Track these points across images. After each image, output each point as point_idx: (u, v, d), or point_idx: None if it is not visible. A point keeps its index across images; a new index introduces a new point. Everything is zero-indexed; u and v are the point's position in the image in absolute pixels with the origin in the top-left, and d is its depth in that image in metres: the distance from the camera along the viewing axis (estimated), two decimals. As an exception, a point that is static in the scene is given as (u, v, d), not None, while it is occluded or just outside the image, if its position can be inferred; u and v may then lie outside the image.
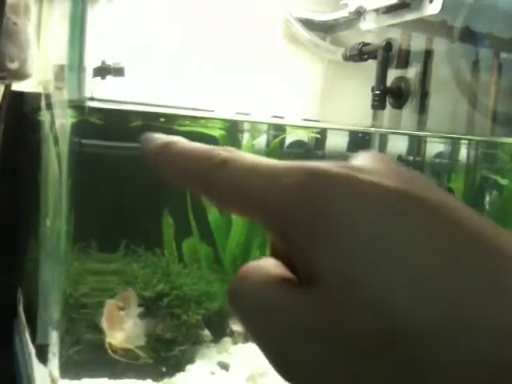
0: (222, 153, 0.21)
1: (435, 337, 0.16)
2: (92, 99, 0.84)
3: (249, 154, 0.21)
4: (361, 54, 1.40)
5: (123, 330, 0.95)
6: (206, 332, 1.30)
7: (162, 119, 1.24)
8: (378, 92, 1.37)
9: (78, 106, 0.75)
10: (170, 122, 1.25)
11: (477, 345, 0.16)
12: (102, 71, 1.20)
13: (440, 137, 1.42)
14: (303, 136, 1.46)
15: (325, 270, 0.19)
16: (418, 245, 0.18)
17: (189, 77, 1.25)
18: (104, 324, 0.93)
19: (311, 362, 0.18)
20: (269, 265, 0.22)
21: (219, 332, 1.26)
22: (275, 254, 0.23)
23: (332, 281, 0.18)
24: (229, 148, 0.22)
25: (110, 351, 0.94)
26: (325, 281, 0.19)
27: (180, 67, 1.24)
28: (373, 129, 1.38)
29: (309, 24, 1.49)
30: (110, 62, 1.21)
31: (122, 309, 0.97)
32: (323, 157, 1.49)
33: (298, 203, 0.19)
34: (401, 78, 1.43)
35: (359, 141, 1.51)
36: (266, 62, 1.37)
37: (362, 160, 0.22)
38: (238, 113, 1.27)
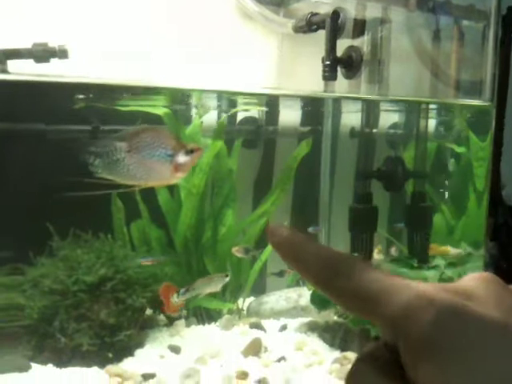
0: (341, 262, 0.25)
1: None
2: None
3: (364, 264, 0.25)
4: (309, 24, 1.35)
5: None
6: (161, 316, 1.28)
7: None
8: (328, 62, 1.33)
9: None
10: (109, 101, 1.21)
11: None
12: (43, 53, 1.17)
13: (391, 100, 1.38)
14: (254, 112, 1.42)
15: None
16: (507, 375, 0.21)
17: (142, 55, 1.21)
18: None
19: None
20: (381, 357, 0.25)
21: (171, 315, 1.23)
22: (386, 346, 0.25)
23: None
24: (346, 255, 0.25)
25: None
26: None
27: (135, 45, 1.19)
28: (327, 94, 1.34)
29: (260, -3, 1.44)
30: (54, 44, 1.17)
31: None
32: (275, 132, 1.46)
33: (408, 323, 0.22)
34: (352, 48, 1.38)
35: (312, 115, 1.48)
36: (219, 39, 1.32)
37: (470, 282, 0.25)
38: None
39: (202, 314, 1.28)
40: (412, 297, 0.23)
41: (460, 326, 0.22)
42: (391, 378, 0.23)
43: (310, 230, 1.40)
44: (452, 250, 1.38)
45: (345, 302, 0.25)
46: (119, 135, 0.89)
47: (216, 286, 1.09)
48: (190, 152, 0.90)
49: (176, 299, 1.02)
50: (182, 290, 1.03)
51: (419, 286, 0.23)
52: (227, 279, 1.10)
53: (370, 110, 1.40)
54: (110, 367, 1.02)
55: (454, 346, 0.21)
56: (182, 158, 0.89)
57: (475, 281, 0.25)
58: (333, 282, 0.25)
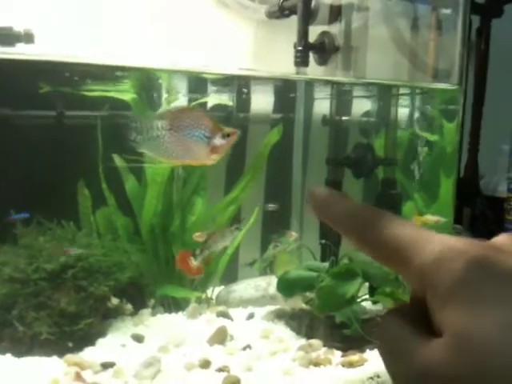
0: (373, 214, 0.27)
1: None
2: None
3: (395, 217, 0.27)
4: (282, 9, 1.33)
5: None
6: (129, 306, 1.26)
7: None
8: (299, 48, 1.31)
9: None
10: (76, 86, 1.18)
11: None
12: (8, 38, 1.14)
13: (359, 83, 1.36)
14: (225, 100, 1.40)
15: (451, 327, 0.23)
16: None
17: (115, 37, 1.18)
18: None
19: None
20: (410, 311, 0.27)
21: (137, 304, 1.21)
22: (413, 300, 0.27)
23: (455, 337, 0.23)
24: (378, 209, 0.27)
25: None
26: (449, 335, 0.23)
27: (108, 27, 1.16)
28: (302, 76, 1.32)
29: (236, -16, 1.41)
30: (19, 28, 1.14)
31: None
32: (247, 119, 1.43)
33: (439, 271, 0.24)
34: (324, 33, 1.36)
35: (284, 103, 1.46)
36: (193, 26, 1.30)
37: (503, 238, 0.26)
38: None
39: (170, 303, 1.26)
40: (444, 248, 0.24)
41: (492, 273, 0.23)
42: (417, 332, 0.25)
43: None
44: (431, 218, 1.35)
45: (376, 252, 0.26)
46: (161, 113, 0.94)
47: (228, 240, 1.08)
48: (226, 136, 0.93)
49: (195, 262, 1.03)
50: (197, 252, 1.03)
51: (451, 239, 0.25)
52: (237, 232, 1.09)
53: (342, 96, 1.38)
54: (70, 356, 0.99)
55: (485, 289, 0.23)
56: (218, 141, 0.93)
57: (505, 239, 0.26)
58: (364, 232, 0.26)
